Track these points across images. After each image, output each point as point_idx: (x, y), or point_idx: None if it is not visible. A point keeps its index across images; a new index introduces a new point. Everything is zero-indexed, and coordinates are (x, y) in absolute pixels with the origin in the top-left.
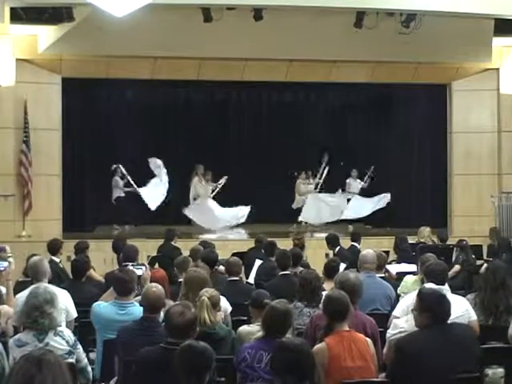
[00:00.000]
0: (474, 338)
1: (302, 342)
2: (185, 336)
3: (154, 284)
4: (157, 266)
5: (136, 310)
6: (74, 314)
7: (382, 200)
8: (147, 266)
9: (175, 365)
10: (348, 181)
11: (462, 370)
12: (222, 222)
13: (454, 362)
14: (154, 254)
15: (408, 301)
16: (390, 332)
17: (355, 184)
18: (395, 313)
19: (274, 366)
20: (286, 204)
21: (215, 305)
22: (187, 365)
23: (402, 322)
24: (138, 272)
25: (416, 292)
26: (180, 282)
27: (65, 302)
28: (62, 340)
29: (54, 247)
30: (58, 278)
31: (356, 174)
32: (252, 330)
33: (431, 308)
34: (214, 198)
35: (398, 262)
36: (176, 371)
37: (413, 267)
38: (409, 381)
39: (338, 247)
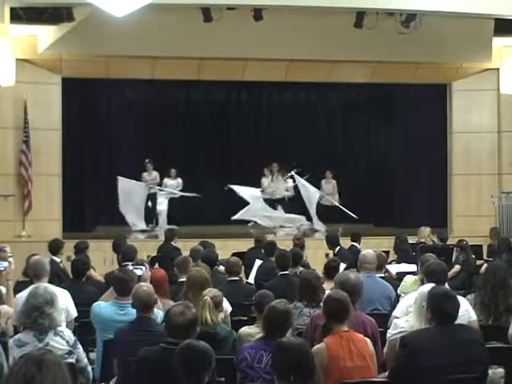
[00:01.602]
0: (480, 341)
1: (301, 341)
2: (185, 336)
3: (142, 283)
4: (157, 265)
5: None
6: (74, 314)
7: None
8: (147, 265)
9: (175, 364)
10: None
11: (463, 371)
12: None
13: (457, 362)
14: (154, 254)
15: (408, 301)
16: (390, 332)
17: (328, 187)
18: (395, 313)
19: (274, 367)
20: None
21: (217, 305)
22: (187, 364)
23: (402, 322)
24: (138, 272)
25: (416, 292)
26: (180, 282)
27: (65, 302)
28: (61, 340)
29: (54, 247)
30: (58, 278)
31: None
32: (252, 331)
33: (435, 307)
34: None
35: (398, 262)
36: (175, 371)
37: (413, 267)
38: (411, 377)
39: (338, 247)
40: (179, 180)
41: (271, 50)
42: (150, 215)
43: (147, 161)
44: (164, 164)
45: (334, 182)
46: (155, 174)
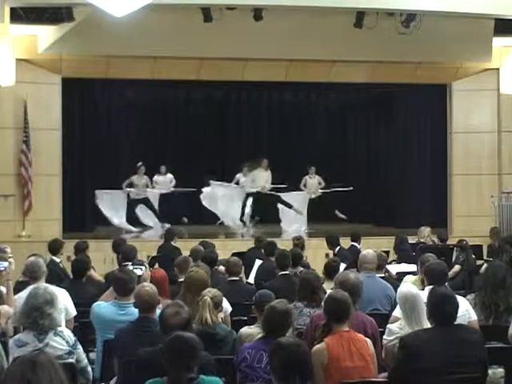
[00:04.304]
0: (479, 341)
1: (299, 341)
2: None
3: (145, 283)
4: (157, 265)
5: (136, 310)
6: (73, 313)
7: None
8: (147, 265)
9: (163, 356)
10: (305, 178)
11: (463, 371)
12: None
13: (456, 362)
14: (154, 254)
15: None
16: (385, 338)
17: (312, 181)
18: (395, 313)
19: (272, 367)
20: None
21: (217, 305)
22: (176, 355)
23: (396, 327)
24: (138, 272)
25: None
26: (180, 282)
27: (63, 301)
28: (62, 340)
29: (54, 247)
30: (58, 278)
31: (314, 171)
32: (253, 331)
33: (434, 308)
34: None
35: (398, 262)
36: (165, 362)
37: (413, 267)
38: (411, 378)
39: (338, 247)
40: (169, 176)
41: (271, 50)
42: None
43: (140, 164)
44: (163, 164)
45: (317, 177)
46: (146, 178)
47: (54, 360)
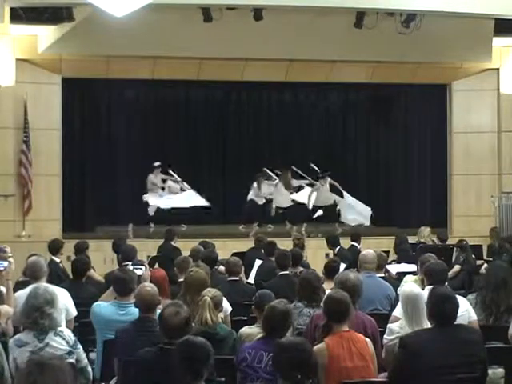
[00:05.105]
0: (478, 341)
1: (302, 340)
2: (182, 334)
3: (146, 283)
4: (157, 265)
5: (136, 310)
6: (74, 313)
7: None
8: (147, 265)
9: (174, 360)
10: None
11: (463, 371)
12: None
13: (456, 362)
14: (154, 254)
15: None
16: (386, 338)
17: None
18: (395, 313)
19: (277, 367)
20: None
21: (217, 305)
22: (186, 359)
23: (396, 327)
24: (138, 272)
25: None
26: (180, 282)
27: (64, 301)
28: (62, 340)
29: (54, 247)
30: (58, 278)
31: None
32: (253, 331)
33: (434, 308)
34: None
35: (398, 262)
36: (174, 367)
37: (413, 267)
38: (410, 378)
39: (338, 247)
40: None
41: (271, 50)
42: None
43: (158, 164)
44: (163, 164)
45: (329, 180)
46: (161, 175)
47: (64, 363)
